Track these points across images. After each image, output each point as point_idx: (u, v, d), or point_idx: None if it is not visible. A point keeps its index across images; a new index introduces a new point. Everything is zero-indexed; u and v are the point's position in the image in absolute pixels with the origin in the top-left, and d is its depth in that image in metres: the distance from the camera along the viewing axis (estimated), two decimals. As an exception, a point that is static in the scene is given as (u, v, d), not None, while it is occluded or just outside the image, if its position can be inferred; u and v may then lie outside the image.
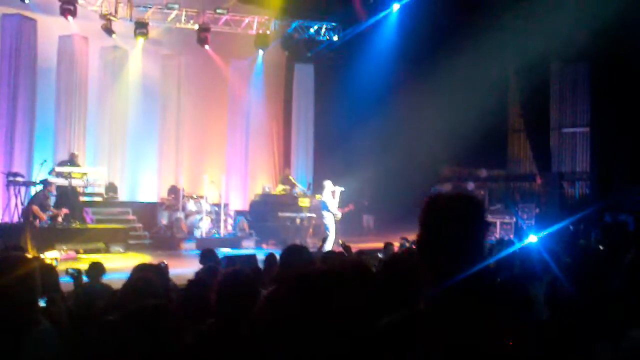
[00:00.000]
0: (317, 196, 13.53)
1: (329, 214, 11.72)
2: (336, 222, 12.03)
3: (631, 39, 12.25)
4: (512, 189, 16.36)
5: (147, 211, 14.41)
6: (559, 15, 13.49)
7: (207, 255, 5.36)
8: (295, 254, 3.97)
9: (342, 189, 12.18)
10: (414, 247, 6.09)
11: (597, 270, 3.05)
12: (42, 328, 2.57)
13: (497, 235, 13.41)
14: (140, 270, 4.29)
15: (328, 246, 9.82)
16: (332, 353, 1.28)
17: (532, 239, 6.89)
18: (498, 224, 14.39)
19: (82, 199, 13.13)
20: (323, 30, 16.74)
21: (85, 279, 4.87)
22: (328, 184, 11.93)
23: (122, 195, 15.03)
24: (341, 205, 12.34)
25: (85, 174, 13.12)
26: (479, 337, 1.47)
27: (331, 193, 11.80)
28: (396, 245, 8.18)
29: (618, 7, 11.70)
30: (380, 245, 8.24)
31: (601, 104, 14.69)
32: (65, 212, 12.06)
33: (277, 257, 4.46)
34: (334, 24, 16.69)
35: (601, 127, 14.76)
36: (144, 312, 1.99)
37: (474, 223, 1.65)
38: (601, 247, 7.19)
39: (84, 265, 6.65)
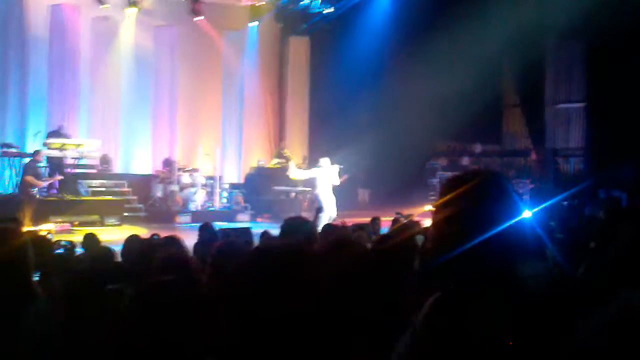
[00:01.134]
0: (311, 170, 13.47)
1: (322, 189, 11.55)
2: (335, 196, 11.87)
3: (628, 16, 12.16)
4: (506, 164, 16.40)
5: (142, 183, 14.37)
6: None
7: (205, 229, 5.35)
8: (296, 226, 3.96)
9: (340, 166, 12.02)
10: (406, 221, 6.05)
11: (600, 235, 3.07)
12: (39, 302, 2.56)
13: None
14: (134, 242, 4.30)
15: (324, 220, 9.83)
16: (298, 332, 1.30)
17: (526, 214, 6.91)
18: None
19: (76, 170, 13.09)
20: (318, 1, 16.51)
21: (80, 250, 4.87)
22: (324, 161, 11.72)
23: (117, 168, 14.98)
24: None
25: (79, 145, 13.04)
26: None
27: (326, 171, 11.58)
28: (389, 219, 8.19)
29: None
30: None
31: (596, 80, 14.64)
32: (60, 179, 12.03)
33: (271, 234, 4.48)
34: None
35: (596, 103, 14.74)
36: (163, 286, 1.95)
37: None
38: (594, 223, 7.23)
39: (77, 238, 6.65)
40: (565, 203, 9.78)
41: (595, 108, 14.82)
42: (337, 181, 11.82)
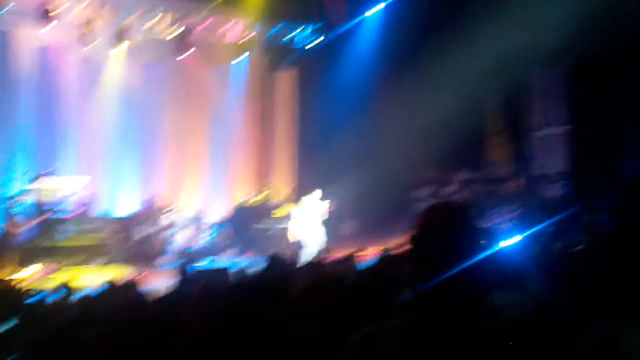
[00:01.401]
0: (298, 204, 13.50)
1: (304, 224, 11.67)
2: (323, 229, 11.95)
3: (610, 41, 12.36)
4: (490, 192, 16.42)
5: (125, 225, 14.23)
6: (538, 17, 13.58)
7: (182, 272, 5.34)
8: (273, 265, 3.99)
9: (327, 200, 12.13)
10: (390, 254, 6.02)
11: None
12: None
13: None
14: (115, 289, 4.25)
15: (305, 256, 9.82)
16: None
17: (509, 241, 6.90)
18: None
19: (59, 213, 13.04)
20: (305, 33, 16.72)
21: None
22: (316, 194, 11.78)
23: (101, 208, 14.87)
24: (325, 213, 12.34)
25: (61, 188, 13.02)
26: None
27: (312, 205, 11.70)
28: (374, 251, 8.17)
29: (599, 8, 11.77)
30: (362, 252, 8.18)
31: (579, 106, 14.82)
32: (43, 221, 12.04)
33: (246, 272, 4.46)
34: (316, 26, 16.66)
35: (579, 128, 14.90)
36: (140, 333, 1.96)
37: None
38: (578, 248, 7.25)
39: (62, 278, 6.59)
40: (549, 230, 9.80)
41: (578, 133, 14.97)
42: (325, 215, 11.86)
